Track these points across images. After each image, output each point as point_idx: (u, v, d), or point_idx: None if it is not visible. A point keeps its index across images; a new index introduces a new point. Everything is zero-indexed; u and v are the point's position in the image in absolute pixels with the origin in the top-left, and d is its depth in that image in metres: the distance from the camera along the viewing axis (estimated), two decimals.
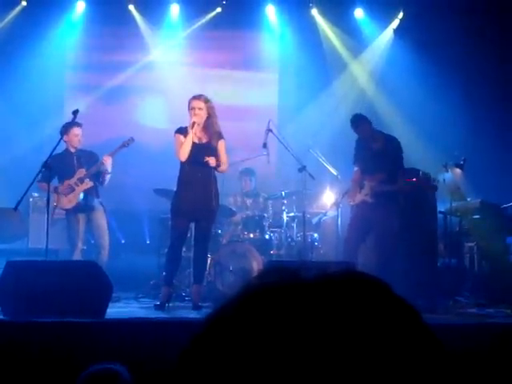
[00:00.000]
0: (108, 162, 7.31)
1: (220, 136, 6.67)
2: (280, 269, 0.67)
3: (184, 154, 6.52)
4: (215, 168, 6.58)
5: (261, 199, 8.69)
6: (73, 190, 7.40)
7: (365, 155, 7.20)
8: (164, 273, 6.83)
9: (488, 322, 5.87)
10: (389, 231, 6.87)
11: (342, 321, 0.60)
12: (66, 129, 7.46)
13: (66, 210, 7.44)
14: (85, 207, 7.43)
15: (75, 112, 6.87)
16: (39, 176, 7.00)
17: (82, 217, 7.41)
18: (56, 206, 7.40)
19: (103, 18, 10.21)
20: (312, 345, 0.59)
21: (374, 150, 7.15)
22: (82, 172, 7.44)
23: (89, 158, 7.53)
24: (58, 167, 7.30)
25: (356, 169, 7.36)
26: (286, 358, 0.59)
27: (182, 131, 6.59)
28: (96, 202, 7.52)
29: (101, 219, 7.49)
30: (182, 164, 6.61)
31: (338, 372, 0.58)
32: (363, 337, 0.60)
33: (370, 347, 0.59)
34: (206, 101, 6.60)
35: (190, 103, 6.59)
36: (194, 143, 6.57)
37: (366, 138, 7.20)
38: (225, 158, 6.66)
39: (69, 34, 10.40)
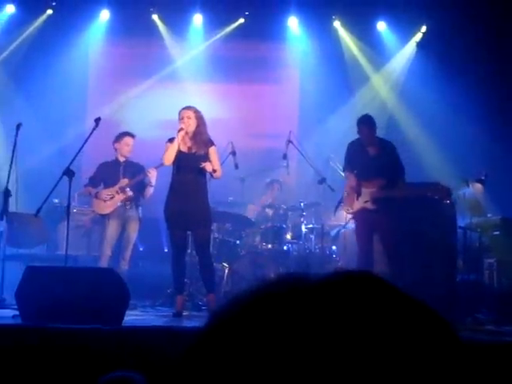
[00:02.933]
0: (152, 174, 7.43)
1: (210, 143, 6.76)
2: (286, 276, 0.66)
3: (167, 157, 6.63)
4: (211, 174, 6.64)
5: (281, 210, 8.69)
6: (112, 197, 7.57)
7: (361, 160, 7.03)
8: (173, 283, 6.87)
9: (507, 339, 5.80)
10: (394, 237, 6.77)
11: (346, 321, 0.59)
12: (118, 137, 7.75)
13: (102, 216, 7.62)
14: (121, 216, 7.57)
15: (97, 120, 6.92)
16: (86, 181, 7.57)
17: (117, 224, 7.56)
18: (93, 210, 7.73)
19: (127, 27, 10.29)
20: (317, 345, 0.58)
21: (370, 154, 7.03)
22: (124, 182, 7.63)
23: (135, 170, 7.70)
24: (104, 174, 7.70)
25: (348, 175, 7.17)
26: (290, 360, 0.58)
27: (172, 140, 6.71)
28: (133, 212, 7.67)
29: (133, 232, 7.63)
30: (173, 172, 6.72)
31: (342, 373, 0.57)
32: (371, 336, 0.59)
33: (379, 346, 0.59)
34: (195, 111, 6.76)
35: (179, 114, 6.75)
36: (183, 152, 6.67)
37: (365, 141, 7.03)
38: (217, 164, 6.75)
39: (93, 42, 10.50)
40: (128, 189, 7.62)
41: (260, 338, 0.59)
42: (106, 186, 7.69)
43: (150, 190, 7.58)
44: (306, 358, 0.58)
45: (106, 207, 7.60)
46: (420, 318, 0.62)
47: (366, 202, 6.91)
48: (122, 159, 7.76)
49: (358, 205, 6.97)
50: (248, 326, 0.61)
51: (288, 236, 8.33)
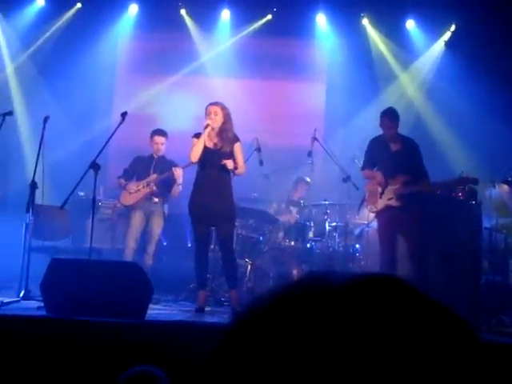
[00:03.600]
0: (178, 173, 7.50)
1: (236, 139, 6.76)
2: (310, 276, 0.66)
3: (195, 154, 6.64)
4: (233, 171, 6.65)
5: (306, 209, 8.67)
6: (138, 190, 7.72)
7: (384, 156, 6.91)
8: (196, 278, 6.89)
9: None
10: (420, 235, 6.67)
11: (369, 326, 0.59)
12: (151, 135, 7.95)
13: (126, 207, 7.79)
14: (145, 209, 7.69)
15: (124, 114, 6.96)
16: (122, 172, 7.79)
17: (140, 217, 7.68)
18: (119, 201, 7.92)
19: (155, 21, 10.33)
20: (340, 347, 0.58)
21: (393, 151, 6.91)
22: (153, 177, 7.77)
23: (165, 166, 7.80)
24: (137, 168, 7.90)
25: (368, 172, 7.06)
26: (312, 363, 0.58)
27: (198, 136, 6.73)
28: (159, 207, 7.75)
29: (157, 226, 7.70)
30: (197, 168, 6.75)
31: (363, 375, 0.57)
32: (392, 339, 0.59)
33: (404, 349, 0.59)
34: (223, 107, 6.75)
35: (206, 109, 6.75)
36: (208, 148, 6.68)
37: (387, 134, 6.89)
38: (241, 160, 6.76)
39: (121, 37, 10.55)
40: (153, 184, 7.69)
41: (283, 340, 0.60)
42: (138, 180, 7.85)
43: (177, 189, 7.63)
44: (329, 360, 0.58)
45: (130, 199, 7.74)
46: (440, 322, 0.62)
47: (389, 199, 6.82)
48: (155, 155, 7.90)
49: (381, 203, 6.87)
50: (271, 328, 0.61)
51: (311, 234, 8.31)
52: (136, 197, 7.70)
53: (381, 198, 6.88)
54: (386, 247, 6.87)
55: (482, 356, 0.62)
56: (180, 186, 7.61)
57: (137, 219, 7.63)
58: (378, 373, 0.57)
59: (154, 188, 7.71)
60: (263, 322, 0.62)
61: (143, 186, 7.73)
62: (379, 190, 6.91)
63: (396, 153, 6.89)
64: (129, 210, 7.77)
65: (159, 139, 7.87)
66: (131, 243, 7.53)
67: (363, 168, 7.16)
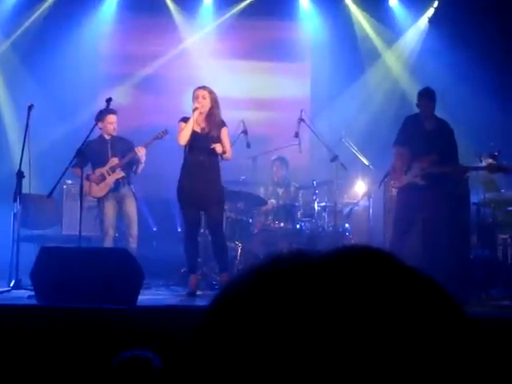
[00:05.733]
0: (142, 153, 7.36)
1: (222, 124, 6.76)
2: (293, 253, 0.66)
3: (183, 137, 6.62)
4: (221, 155, 6.66)
5: (292, 188, 8.68)
6: (104, 178, 7.45)
7: (417, 135, 6.89)
8: (186, 262, 6.90)
9: None
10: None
11: (350, 297, 0.59)
12: (100, 116, 7.48)
13: (98, 198, 7.50)
14: (115, 195, 7.47)
15: (109, 100, 6.92)
16: (73, 161, 7.10)
17: (112, 204, 7.45)
18: (86, 194, 7.44)
19: (137, 7, 10.24)
20: (319, 321, 0.58)
21: (427, 130, 6.91)
22: (114, 161, 7.48)
23: (123, 146, 7.56)
24: (91, 154, 7.41)
25: (398, 150, 7.04)
26: (293, 337, 0.58)
27: (185, 120, 6.70)
28: (127, 189, 7.54)
29: (130, 207, 7.51)
30: (185, 152, 6.72)
31: (343, 349, 0.57)
32: (373, 312, 0.59)
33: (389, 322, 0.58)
34: (210, 91, 6.72)
35: (194, 93, 6.72)
36: (196, 132, 6.66)
37: (424, 114, 6.92)
38: (228, 145, 6.75)
39: (103, 23, 10.45)
40: (119, 169, 7.49)
41: (264, 315, 0.60)
42: (94, 166, 7.52)
43: (140, 167, 7.47)
44: (309, 334, 0.58)
45: (100, 190, 7.44)
46: (426, 296, 0.62)
47: (415, 176, 6.78)
48: (107, 137, 7.57)
49: (406, 179, 6.84)
50: (252, 304, 0.61)
51: (300, 214, 8.32)
52: (106, 187, 7.43)
53: (405, 174, 6.87)
54: (401, 224, 6.85)
55: (468, 329, 0.62)
56: (143, 165, 7.43)
57: (110, 207, 7.41)
58: (351, 346, 0.57)
59: (122, 174, 7.48)
60: (243, 300, 0.62)
61: (108, 173, 7.45)
62: (404, 167, 6.90)
63: (430, 132, 6.89)
64: (98, 200, 7.50)
65: (113, 118, 7.53)
66: (110, 231, 7.36)
67: (395, 144, 7.10)
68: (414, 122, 6.99)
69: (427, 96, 6.95)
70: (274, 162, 8.83)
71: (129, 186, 7.58)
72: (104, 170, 7.46)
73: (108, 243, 7.28)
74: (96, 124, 7.40)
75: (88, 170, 7.53)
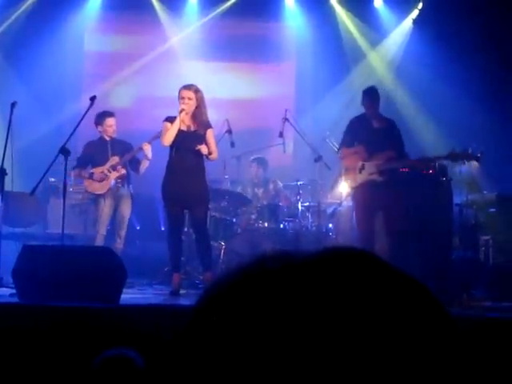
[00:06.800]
0: (148, 148, 7.39)
1: (208, 125, 6.76)
2: (278, 253, 0.67)
3: (168, 138, 6.62)
4: (206, 156, 6.66)
5: (271, 186, 8.71)
6: (105, 176, 7.55)
7: (367, 134, 6.92)
8: (170, 261, 6.89)
9: (503, 315, 5.84)
10: (400, 212, 6.68)
11: (334, 297, 0.59)
12: (99, 120, 7.64)
13: (96, 196, 7.60)
14: (114, 195, 7.57)
15: (93, 98, 6.89)
16: (74, 164, 7.46)
17: (109, 203, 7.55)
18: (86, 190, 7.69)
19: (122, 5, 10.19)
20: (303, 320, 0.58)
21: (375, 128, 6.96)
22: (115, 159, 7.61)
23: (122, 147, 7.68)
24: (91, 154, 7.66)
25: (345, 152, 7.06)
26: (277, 337, 0.58)
27: (170, 120, 6.68)
28: (126, 190, 7.67)
29: (125, 209, 7.63)
30: (170, 151, 6.70)
31: (328, 347, 0.58)
32: (358, 312, 0.59)
33: (371, 320, 0.59)
34: (196, 91, 6.69)
35: (179, 93, 6.68)
36: (182, 131, 6.66)
37: (369, 113, 6.98)
38: (214, 146, 6.76)
39: (88, 19, 10.39)
40: (120, 166, 7.61)
41: (248, 314, 0.60)
42: (95, 166, 7.65)
43: (145, 164, 7.55)
44: (293, 334, 0.58)
45: (101, 187, 7.58)
46: (409, 295, 0.62)
47: (371, 173, 6.79)
48: (107, 138, 7.71)
49: (362, 178, 6.85)
50: (236, 303, 0.61)
51: (284, 214, 8.34)
52: (107, 184, 7.56)
53: (360, 173, 6.86)
54: (364, 223, 6.87)
55: (451, 330, 0.63)
56: (148, 162, 7.52)
57: (107, 206, 7.52)
58: (336, 346, 0.58)
59: (124, 171, 7.63)
60: (228, 299, 0.62)
61: (108, 171, 7.58)
62: (358, 165, 6.90)
63: (378, 130, 6.94)
64: (98, 197, 7.61)
65: (111, 121, 7.69)
66: (102, 230, 7.48)
67: (341, 147, 7.14)
68: (361, 121, 7.04)
69: (371, 95, 7.01)
70: (251, 162, 8.85)
71: (128, 187, 7.70)
72: (105, 168, 7.58)
73: (99, 242, 7.34)
74: (96, 127, 7.62)
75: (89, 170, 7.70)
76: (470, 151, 6.63)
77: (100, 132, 7.71)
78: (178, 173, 6.62)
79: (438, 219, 6.91)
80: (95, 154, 7.66)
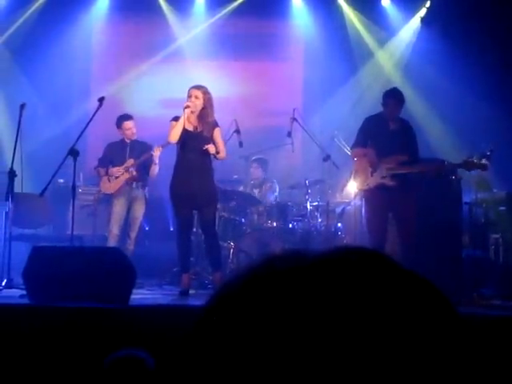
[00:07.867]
0: (157, 154, 7.50)
1: (215, 124, 6.76)
2: (287, 253, 0.66)
3: (173, 135, 6.62)
4: (215, 156, 6.67)
5: (265, 187, 8.72)
6: (118, 177, 7.70)
7: (380, 134, 6.77)
8: (179, 261, 6.91)
9: None
10: (411, 216, 6.61)
11: (344, 297, 0.59)
12: (118, 123, 7.85)
13: (108, 195, 7.74)
14: (127, 196, 7.68)
15: (101, 99, 6.91)
16: (96, 163, 7.78)
17: (122, 203, 7.66)
18: (99, 190, 7.88)
19: (130, 4, 10.22)
20: (313, 320, 0.58)
21: (391, 130, 6.80)
22: (130, 162, 7.74)
23: (141, 149, 7.79)
24: (111, 156, 7.85)
25: (357, 152, 6.93)
26: (287, 336, 0.58)
27: (177, 119, 6.70)
28: (140, 192, 7.78)
29: (138, 210, 7.72)
30: (178, 152, 6.73)
31: (337, 348, 0.58)
32: (368, 312, 0.59)
33: (382, 320, 0.59)
34: (205, 92, 6.70)
35: (188, 91, 6.70)
36: (188, 131, 6.66)
37: (389, 115, 6.80)
38: (222, 145, 6.77)
39: (95, 21, 10.43)
40: (132, 168, 7.67)
41: (258, 315, 0.60)
42: (114, 166, 7.81)
43: (155, 169, 7.65)
44: (304, 334, 0.58)
45: (111, 186, 7.72)
46: (420, 296, 0.62)
47: (383, 177, 6.67)
48: (127, 140, 7.88)
49: (374, 181, 6.72)
50: (246, 304, 0.61)
51: (293, 214, 8.33)
52: (117, 184, 7.68)
53: (372, 176, 6.74)
54: (374, 223, 6.73)
55: (460, 328, 0.63)
56: (157, 166, 7.61)
57: (119, 206, 7.62)
58: (347, 346, 0.57)
59: (135, 173, 7.70)
60: (239, 300, 0.62)
61: (122, 173, 7.71)
62: (369, 168, 6.78)
63: (393, 132, 6.79)
64: (111, 197, 7.73)
65: (130, 124, 7.85)
66: (115, 230, 7.55)
67: (354, 146, 7.03)
68: (377, 122, 6.87)
69: (396, 97, 6.83)
70: (251, 163, 8.85)
71: (143, 190, 7.81)
72: (120, 168, 7.72)
73: (111, 243, 7.40)
74: (117, 130, 7.85)
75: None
76: (483, 161, 6.54)
77: (121, 134, 7.87)
78: (185, 173, 6.63)
79: (447, 218, 6.89)
80: (114, 155, 7.84)
